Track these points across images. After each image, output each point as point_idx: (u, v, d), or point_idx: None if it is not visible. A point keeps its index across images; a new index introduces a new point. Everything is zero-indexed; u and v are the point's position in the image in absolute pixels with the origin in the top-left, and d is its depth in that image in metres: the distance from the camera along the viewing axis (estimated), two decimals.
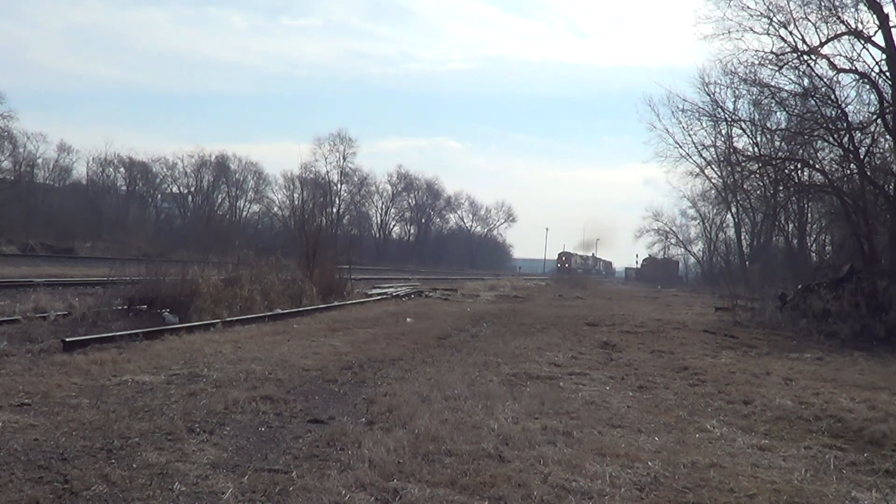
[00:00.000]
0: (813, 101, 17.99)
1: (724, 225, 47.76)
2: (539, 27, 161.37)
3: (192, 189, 59.03)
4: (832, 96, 17.52)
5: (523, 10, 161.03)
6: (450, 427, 4.99)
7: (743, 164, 25.12)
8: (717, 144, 34.39)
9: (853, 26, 16.79)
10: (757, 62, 18.45)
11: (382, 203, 73.85)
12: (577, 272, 75.78)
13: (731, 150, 27.89)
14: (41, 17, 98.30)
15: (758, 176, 27.46)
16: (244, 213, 60.47)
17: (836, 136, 17.58)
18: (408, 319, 13.56)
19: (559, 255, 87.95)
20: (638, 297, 31.90)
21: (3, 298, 11.67)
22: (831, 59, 17.47)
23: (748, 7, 18.30)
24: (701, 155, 36.66)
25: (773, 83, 18.95)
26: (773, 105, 21.23)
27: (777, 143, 24.59)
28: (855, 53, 17.22)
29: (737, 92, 23.43)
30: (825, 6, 17.03)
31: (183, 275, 11.46)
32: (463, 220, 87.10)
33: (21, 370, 6.25)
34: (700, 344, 11.68)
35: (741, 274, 31.85)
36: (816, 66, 17.85)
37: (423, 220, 79.40)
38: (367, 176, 68.75)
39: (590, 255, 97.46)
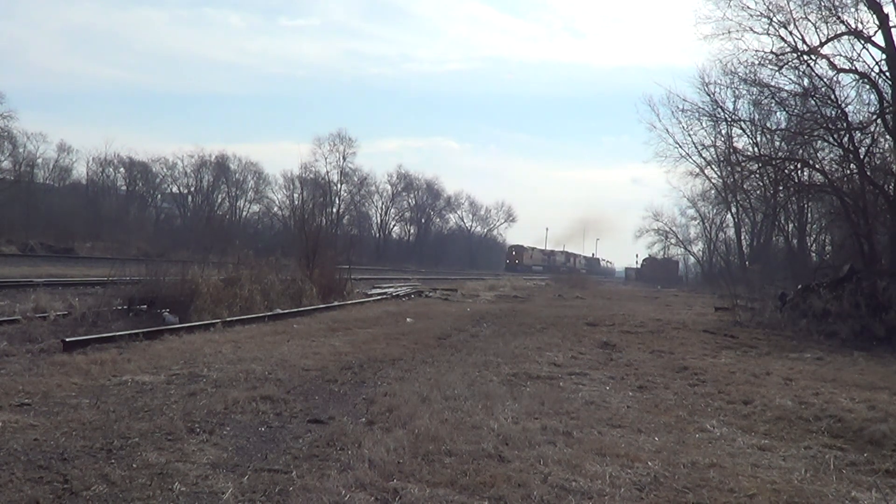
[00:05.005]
0: (813, 101, 17.97)
1: (724, 225, 47.61)
2: (537, 27, 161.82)
3: (192, 189, 58.90)
4: (832, 96, 17.52)
5: (521, 10, 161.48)
6: (450, 427, 4.99)
7: (743, 164, 25.09)
8: (717, 144, 34.25)
9: (853, 26, 16.80)
10: (757, 62, 18.49)
11: (382, 203, 73.77)
12: (532, 269, 69.19)
13: (731, 150, 27.82)
14: (40, 18, 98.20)
15: (758, 176, 27.44)
16: (244, 213, 60.36)
17: (836, 136, 17.57)
18: (408, 319, 13.56)
19: (509, 248, 77.35)
20: (638, 297, 31.90)
21: (3, 298, 11.66)
22: (831, 59, 17.50)
23: (748, 7, 18.33)
24: (701, 155, 36.50)
25: (773, 83, 18.98)
26: (773, 105, 21.26)
27: (777, 143, 24.59)
28: (855, 53, 17.25)
29: (737, 92, 23.42)
30: (825, 6, 17.05)
31: (183, 275, 11.46)
32: (463, 220, 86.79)
33: (21, 370, 6.26)
34: (700, 344, 11.68)
35: (741, 274, 31.79)
36: (816, 66, 17.88)
37: (423, 220, 79.24)
38: (367, 176, 68.62)
39: (560, 249, 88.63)
